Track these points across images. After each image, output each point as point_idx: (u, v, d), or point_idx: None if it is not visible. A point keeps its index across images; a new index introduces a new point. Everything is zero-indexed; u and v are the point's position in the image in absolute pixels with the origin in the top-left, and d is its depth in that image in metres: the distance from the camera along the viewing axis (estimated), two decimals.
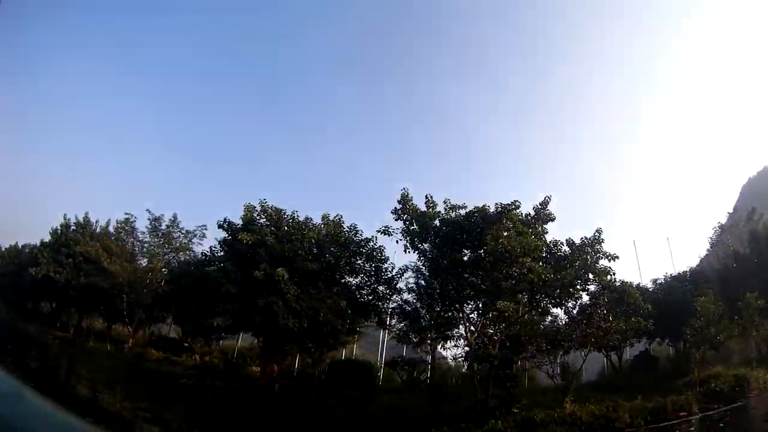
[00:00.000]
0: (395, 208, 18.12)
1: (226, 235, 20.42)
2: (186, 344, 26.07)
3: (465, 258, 18.12)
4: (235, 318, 17.39)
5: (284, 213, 19.25)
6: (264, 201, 19.40)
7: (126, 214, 27.36)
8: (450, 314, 19.63)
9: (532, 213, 17.72)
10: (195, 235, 27.22)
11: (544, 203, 17.85)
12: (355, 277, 19.94)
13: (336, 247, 18.25)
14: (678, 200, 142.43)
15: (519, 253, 15.10)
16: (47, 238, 29.09)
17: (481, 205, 17.15)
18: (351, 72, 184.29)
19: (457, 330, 19.57)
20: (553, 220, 17.65)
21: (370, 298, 19.99)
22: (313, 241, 17.44)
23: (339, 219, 19.61)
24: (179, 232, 26.85)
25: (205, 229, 27.35)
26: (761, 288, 18.96)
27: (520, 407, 15.40)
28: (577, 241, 17.26)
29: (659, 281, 22.23)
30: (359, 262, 19.27)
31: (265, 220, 19.48)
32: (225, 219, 20.33)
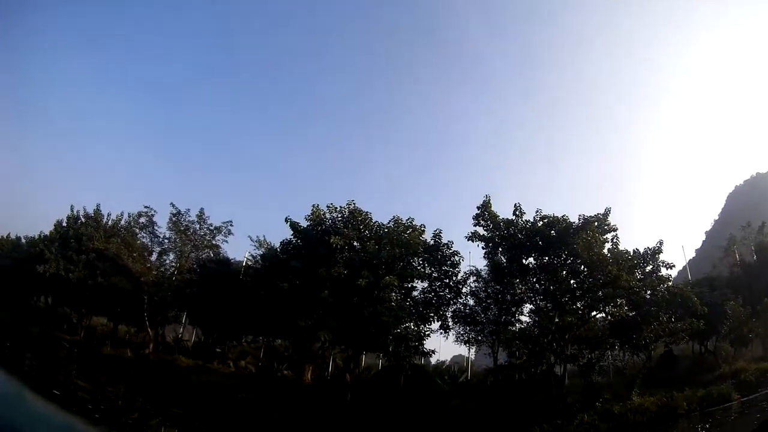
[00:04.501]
0: (476, 214, 19.83)
1: (292, 236, 20.97)
2: (218, 349, 25.77)
3: (529, 264, 20.33)
4: (338, 330, 17.64)
5: (367, 215, 19.93)
6: (351, 201, 20.09)
7: (145, 207, 26.64)
8: (507, 317, 21.87)
9: (595, 224, 20.24)
10: (220, 232, 27.16)
11: (605, 214, 20.45)
12: (422, 282, 21.26)
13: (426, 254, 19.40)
14: (666, 206, 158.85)
15: (610, 262, 17.45)
16: (45, 230, 27.37)
17: (560, 215, 19.39)
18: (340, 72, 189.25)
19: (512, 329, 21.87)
20: (615, 230, 20.24)
21: (435, 302, 21.35)
22: (420, 248, 18.39)
23: (411, 221, 20.67)
24: (206, 228, 26.60)
25: (231, 225, 27.43)
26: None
27: (602, 401, 17.84)
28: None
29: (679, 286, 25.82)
30: (434, 267, 20.54)
31: (340, 221, 20.16)
32: (287, 218, 20.90)
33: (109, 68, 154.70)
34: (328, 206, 19.90)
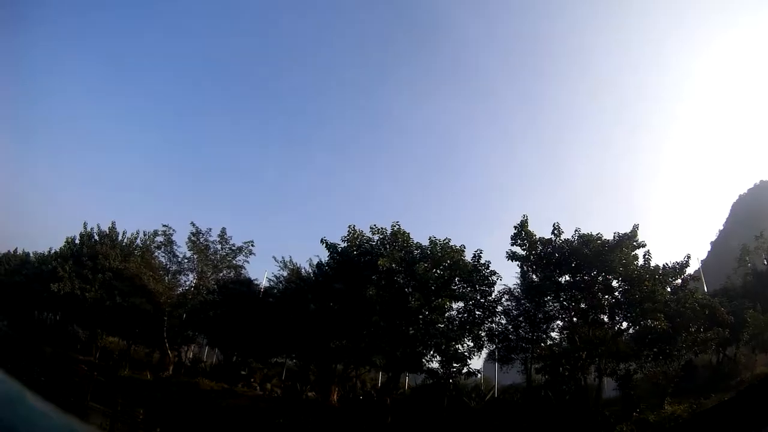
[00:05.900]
0: (513, 234, 20.74)
1: (328, 257, 21.38)
2: (243, 372, 25.91)
3: (562, 281, 21.31)
4: (390, 355, 17.87)
5: (408, 236, 20.40)
6: (396, 222, 20.53)
7: (163, 225, 26.57)
8: (539, 334, 22.81)
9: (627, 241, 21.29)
10: (241, 252, 27.32)
11: (633, 231, 21.57)
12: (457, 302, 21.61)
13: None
14: (669, 215, 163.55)
15: (647, 277, 18.63)
16: (46, 241, 27.12)
17: (594, 234, 20.49)
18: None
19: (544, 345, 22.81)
20: (644, 246, 21.39)
21: (470, 321, 21.73)
22: (468, 269, 19.09)
23: (447, 242, 21.22)
24: (228, 248, 26.72)
25: (253, 245, 27.61)
26: None
27: (639, 411, 19.01)
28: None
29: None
30: (469, 287, 21.08)
31: (379, 242, 20.62)
32: (323, 239, 21.29)
33: (108, 72, 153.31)
34: (371, 227, 20.35)
